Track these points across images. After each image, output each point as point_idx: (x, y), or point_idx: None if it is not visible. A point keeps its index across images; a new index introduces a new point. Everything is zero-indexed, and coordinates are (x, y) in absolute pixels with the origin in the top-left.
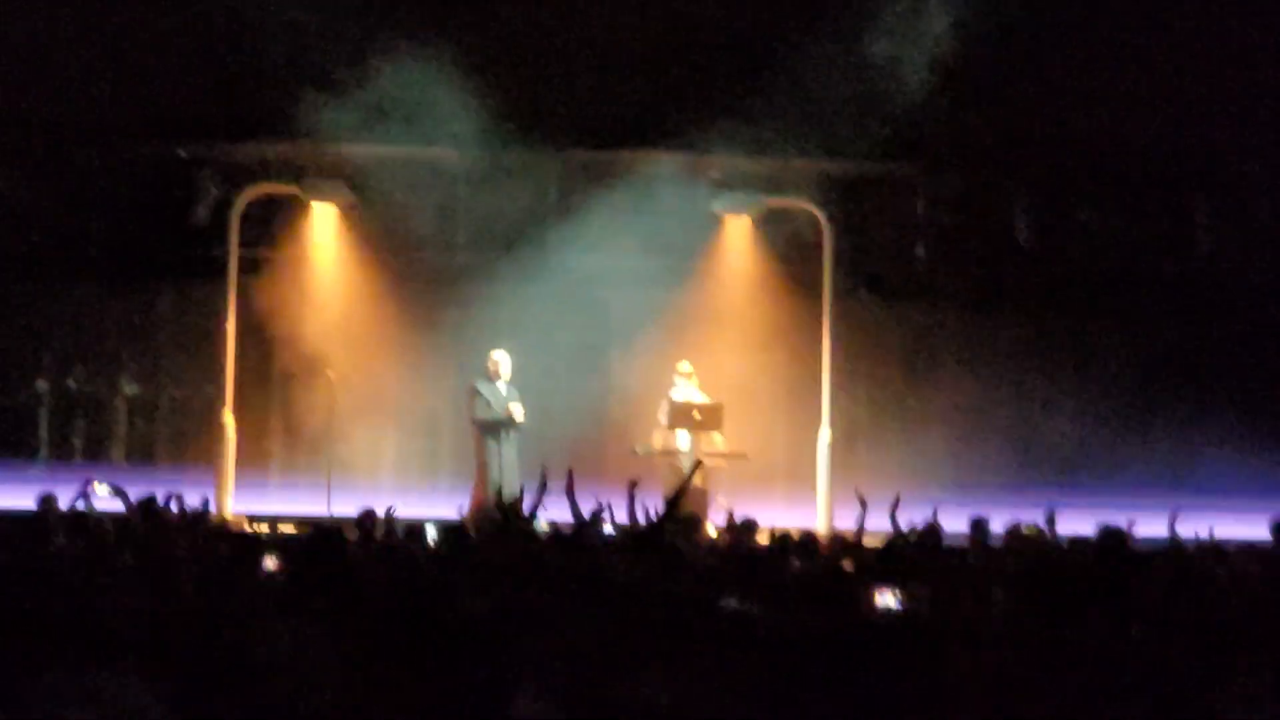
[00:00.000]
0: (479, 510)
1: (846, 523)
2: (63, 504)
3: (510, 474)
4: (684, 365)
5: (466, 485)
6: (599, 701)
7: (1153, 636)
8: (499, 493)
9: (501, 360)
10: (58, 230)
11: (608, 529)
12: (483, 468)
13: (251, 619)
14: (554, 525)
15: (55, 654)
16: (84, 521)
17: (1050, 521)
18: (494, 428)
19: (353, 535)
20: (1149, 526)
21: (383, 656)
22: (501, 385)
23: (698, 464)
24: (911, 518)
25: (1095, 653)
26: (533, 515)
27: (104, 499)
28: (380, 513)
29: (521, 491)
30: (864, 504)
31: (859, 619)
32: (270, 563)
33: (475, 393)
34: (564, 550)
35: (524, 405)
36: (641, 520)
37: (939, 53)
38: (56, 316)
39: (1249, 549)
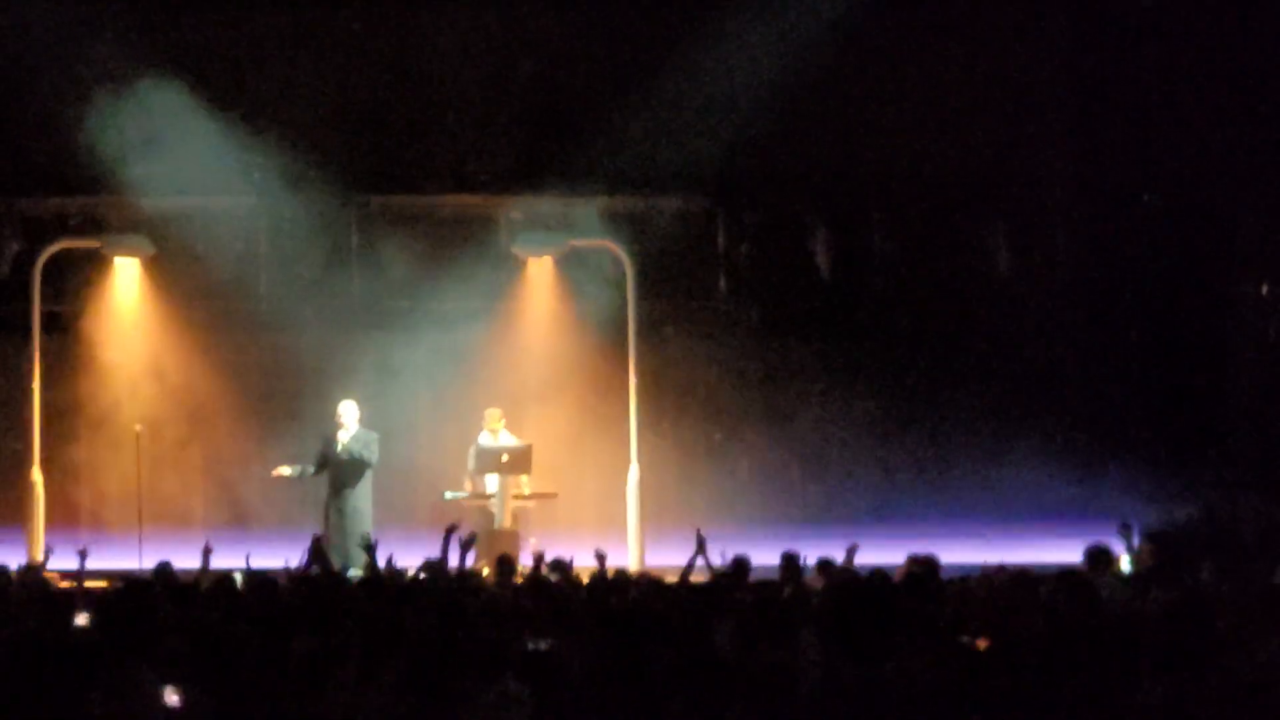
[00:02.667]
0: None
1: (658, 559)
2: None
3: (349, 521)
4: (490, 411)
5: (278, 532)
6: None
7: (965, 665)
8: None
9: (344, 410)
10: None
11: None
12: (324, 513)
13: (64, 675)
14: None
15: None
16: None
17: (851, 555)
18: (329, 477)
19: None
20: (957, 554)
21: (204, 701)
22: (346, 434)
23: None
24: (723, 552)
25: (907, 684)
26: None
27: None
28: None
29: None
30: (701, 542)
31: (671, 656)
32: (81, 619)
33: (320, 441)
34: (373, 595)
35: (365, 448)
36: (456, 563)
37: (737, 89)
38: None
39: (1058, 574)
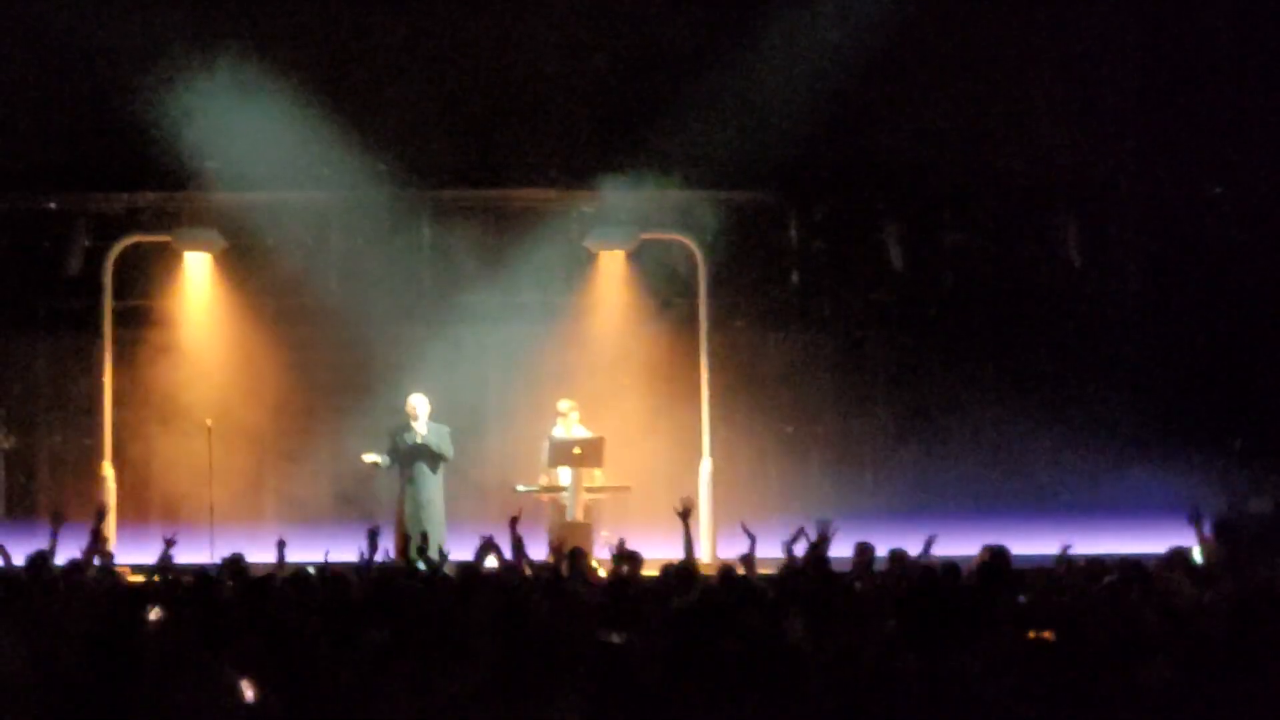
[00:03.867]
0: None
1: (731, 552)
2: None
3: (424, 513)
4: (563, 404)
5: (347, 525)
6: None
7: (1033, 658)
8: (406, 536)
9: (416, 403)
10: None
11: (491, 563)
12: (398, 506)
13: (137, 670)
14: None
15: None
16: None
17: (928, 546)
18: (401, 469)
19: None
20: (1032, 546)
21: (283, 697)
22: (420, 426)
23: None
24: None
25: (976, 676)
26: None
27: None
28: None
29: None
30: (752, 537)
31: (743, 649)
32: (154, 613)
33: (389, 436)
34: (449, 589)
35: (443, 441)
36: (524, 555)
37: (807, 82)
38: None
39: (1125, 566)
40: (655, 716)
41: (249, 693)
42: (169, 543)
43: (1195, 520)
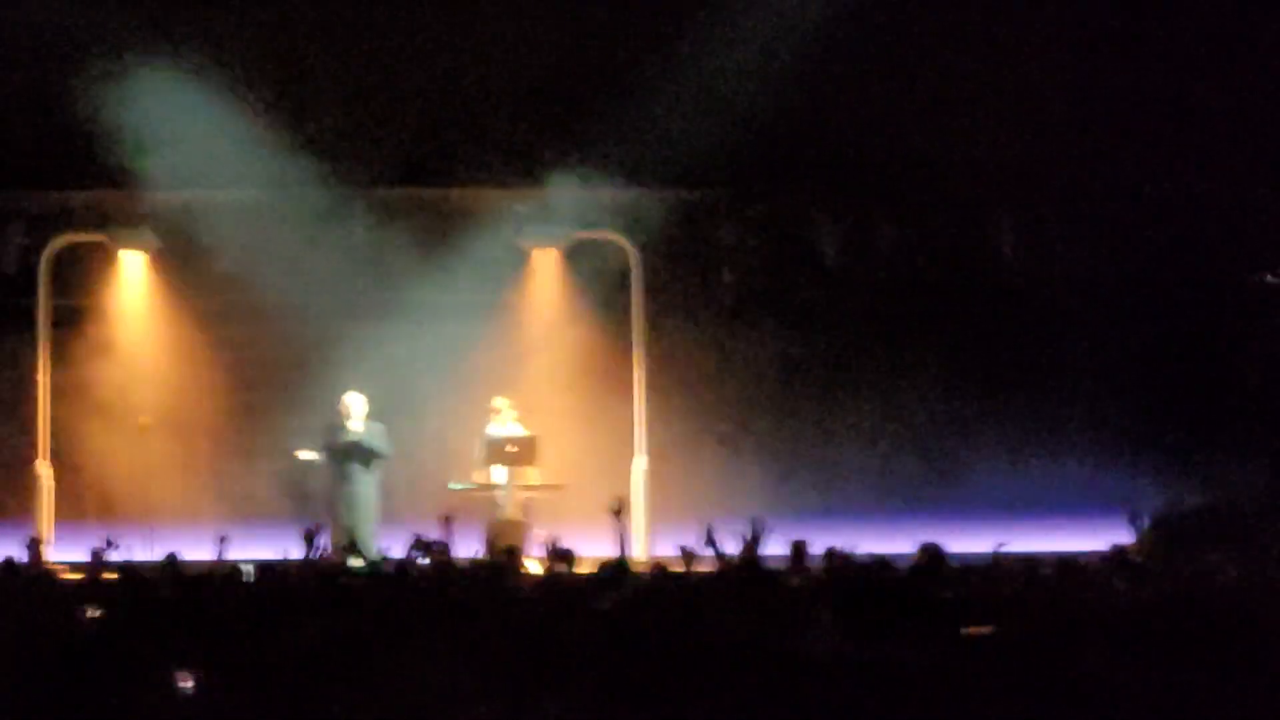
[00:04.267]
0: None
1: (664, 550)
2: None
3: (358, 511)
4: (498, 401)
5: (285, 521)
6: None
7: (967, 651)
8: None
9: (351, 402)
10: None
11: (422, 561)
12: (332, 505)
13: (74, 667)
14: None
15: None
16: None
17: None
18: (334, 467)
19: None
20: (965, 545)
21: (214, 692)
22: (355, 425)
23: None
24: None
25: (916, 671)
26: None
27: None
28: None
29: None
30: (711, 537)
31: (680, 645)
32: (90, 611)
33: (323, 434)
34: (386, 586)
35: (380, 440)
36: (451, 553)
37: (741, 80)
38: None
39: (1061, 562)
40: (590, 712)
41: (186, 683)
42: (110, 544)
43: (1133, 517)
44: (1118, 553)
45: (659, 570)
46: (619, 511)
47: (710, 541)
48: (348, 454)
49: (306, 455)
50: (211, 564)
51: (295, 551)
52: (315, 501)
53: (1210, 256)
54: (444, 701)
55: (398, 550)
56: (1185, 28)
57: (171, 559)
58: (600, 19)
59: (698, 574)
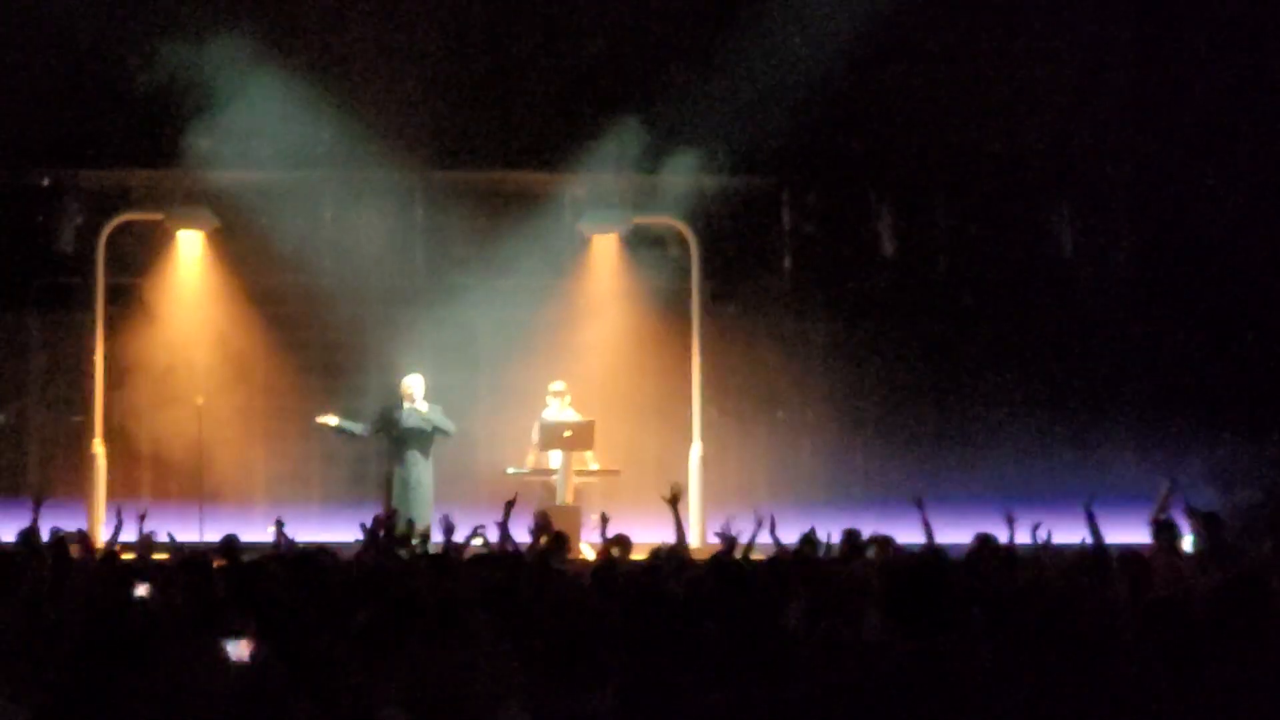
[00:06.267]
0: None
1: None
2: None
3: (413, 494)
4: (556, 385)
5: (339, 505)
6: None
7: (1022, 642)
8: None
9: (412, 384)
10: None
11: (480, 546)
12: (386, 488)
13: (127, 647)
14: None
15: None
16: None
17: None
18: (392, 449)
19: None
20: (1018, 534)
21: (261, 675)
22: (420, 406)
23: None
24: (786, 531)
25: (968, 664)
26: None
27: None
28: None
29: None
30: (760, 522)
31: (735, 633)
32: (142, 590)
33: (380, 414)
34: (435, 569)
35: (445, 419)
36: (515, 539)
37: (801, 67)
38: None
39: (1121, 552)
40: (645, 699)
41: (242, 651)
42: (141, 517)
43: (1186, 508)
44: (1168, 542)
45: (715, 557)
46: (676, 499)
47: (769, 528)
48: (408, 438)
49: (331, 421)
50: (271, 547)
51: (354, 535)
52: (368, 483)
53: (1268, 248)
54: (495, 687)
55: (452, 535)
56: (1246, 19)
57: (230, 541)
58: (663, 6)
59: (753, 562)
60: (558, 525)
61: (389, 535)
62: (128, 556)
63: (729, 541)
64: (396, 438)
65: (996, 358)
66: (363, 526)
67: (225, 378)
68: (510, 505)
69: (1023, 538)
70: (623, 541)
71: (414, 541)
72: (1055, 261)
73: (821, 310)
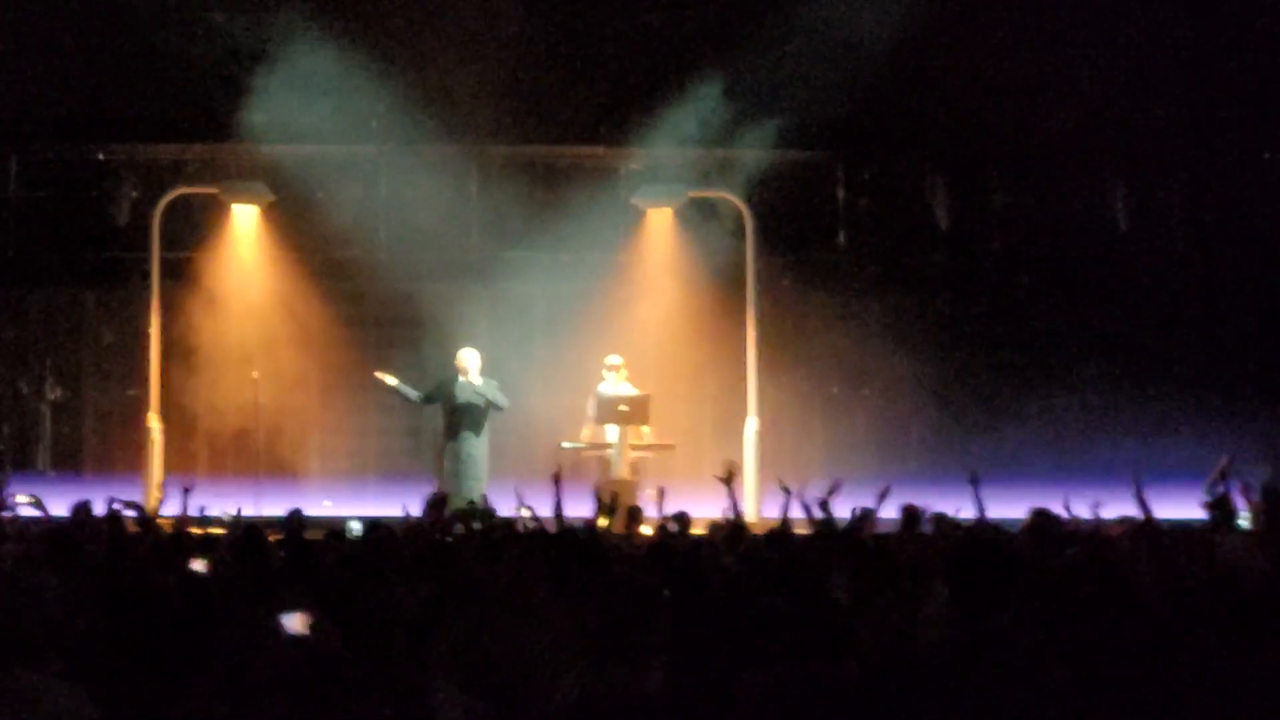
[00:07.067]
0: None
1: (775, 511)
2: None
3: (465, 468)
4: (612, 358)
5: (395, 479)
6: (523, 697)
7: (1081, 619)
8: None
9: (467, 358)
10: None
11: (528, 521)
12: (439, 461)
13: (184, 620)
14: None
15: None
16: (3, 527)
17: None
18: (446, 423)
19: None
20: (1078, 510)
21: (317, 649)
22: (474, 380)
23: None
24: (842, 506)
25: (1023, 637)
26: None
27: (26, 508)
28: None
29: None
30: (788, 492)
31: (791, 609)
32: (199, 565)
33: (435, 385)
34: (491, 544)
35: (501, 393)
36: (565, 513)
37: (855, 42)
38: None
39: (1175, 529)
40: (699, 674)
41: (300, 625)
42: (186, 491)
43: (1242, 485)
44: (1227, 519)
45: (771, 532)
46: (730, 478)
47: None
48: (462, 413)
49: (388, 379)
50: (324, 522)
51: (412, 509)
52: (423, 458)
53: None
54: (550, 662)
55: (507, 509)
56: None
57: (296, 514)
58: None
59: (810, 538)
60: (617, 499)
61: (443, 510)
62: (186, 530)
63: (799, 505)
64: (450, 411)
65: (1051, 334)
66: (419, 502)
67: (280, 352)
68: (558, 479)
69: (1080, 513)
70: (682, 518)
71: (468, 516)
72: (1111, 237)
73: (876, 284)
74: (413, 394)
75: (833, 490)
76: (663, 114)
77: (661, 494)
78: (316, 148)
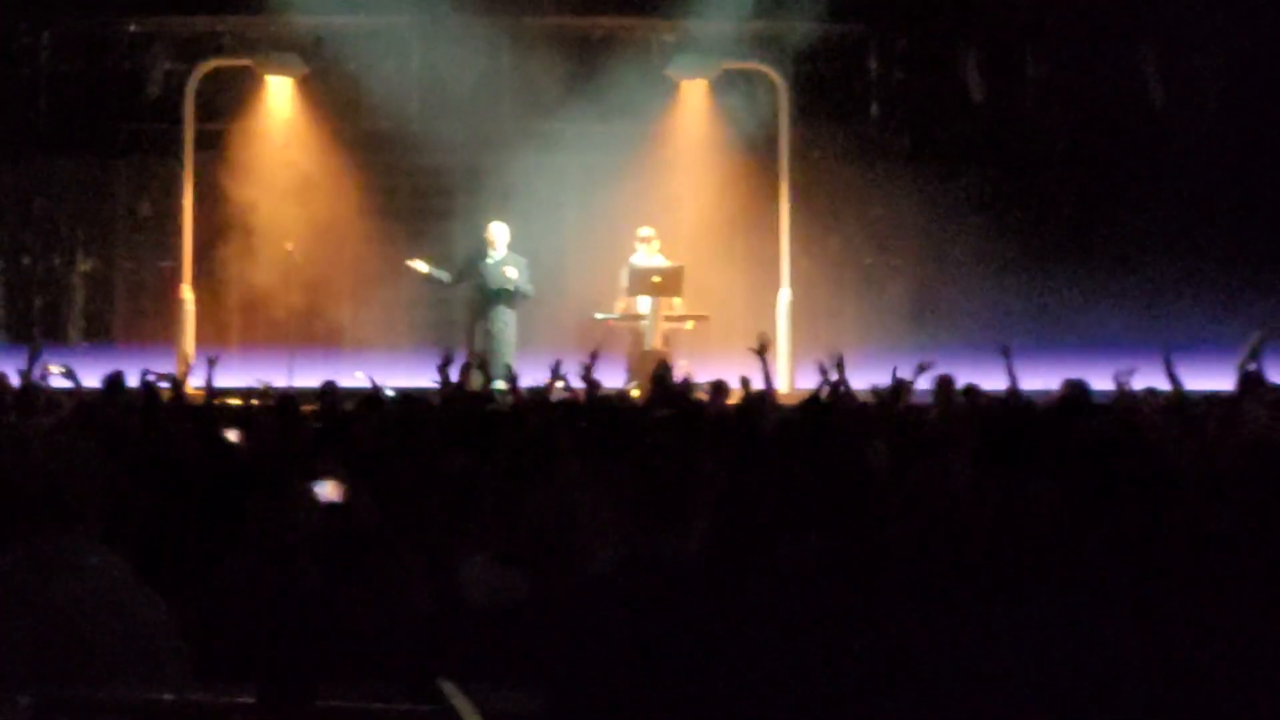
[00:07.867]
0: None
1: (808, 382)
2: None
3: (494, 343)
4: (644, 230)
5: (427, 352)
6: (559, 565)
7: (1110, 488)
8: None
9: (496, 232)
10: (6, 106)
11: (562, 390)
12: (468, 336)
13: (220, 489)
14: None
15: (11, 527)
16: (36, 398)
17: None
18: (474, 298)
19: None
20: (1106, 381)
21: (351, 518)
22: (500, 252)
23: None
24: (875, 377)
25: (1052, 504)
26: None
27: (58, 378)
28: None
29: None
30: (823, 370)
31: (826, 476)
32: (232, 435)
33: (464, 259)
34: (525, 414)
35: (528, 284)
36: (601, 384)
37: None
38: (6, 193)
39: (1212, 398)
40: (735, 541)
41: (333, 494)
42: (211, 362)
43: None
44: (1259, 387)
45: (807, 400)
46: (764, 349)
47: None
48: (491, 295)
49: (421, 266)
50: (357, 390)
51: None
52: (454, 330)
53: None
54: (584, 532)
55: (539, 379)
56: None
57: (330, 384)
58: None
59: (845, 404)
60: (649, 370)
61: (466, 379)
62: (222, 401)
63: (827, 378)
64: (479, 286)
65: (1084, 204)
66: (439, 369)
67: (313, 224)
68: (595, 354)
69: (1109, 385)
70: (720, 386)
71: (494, 385)
72: (1144, 109)
73: (909, 157)
74: (445, 277)
75: (838, 364)
76: None
77: (689, 377)
78: (351, 19)
